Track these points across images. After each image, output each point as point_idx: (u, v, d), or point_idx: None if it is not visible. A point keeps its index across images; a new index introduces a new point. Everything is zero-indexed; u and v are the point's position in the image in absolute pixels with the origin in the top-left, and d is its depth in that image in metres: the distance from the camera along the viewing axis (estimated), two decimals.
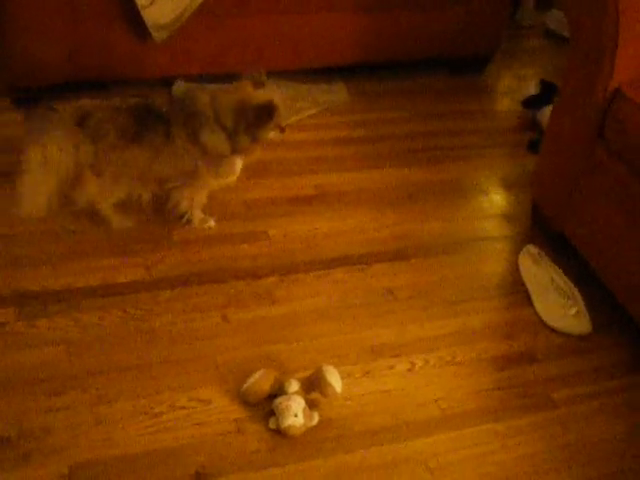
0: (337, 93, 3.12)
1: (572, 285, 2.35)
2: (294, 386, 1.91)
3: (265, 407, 1.90)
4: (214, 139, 2.22)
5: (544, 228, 2.55)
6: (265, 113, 2.18)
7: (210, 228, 2.45)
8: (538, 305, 2.31)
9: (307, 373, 1.97)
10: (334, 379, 1.90)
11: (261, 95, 2.22)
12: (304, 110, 2.99)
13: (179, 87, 2.95)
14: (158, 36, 2.66)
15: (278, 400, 1.87)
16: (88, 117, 2.19)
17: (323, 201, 2.63)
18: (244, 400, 1.91)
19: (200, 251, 2.36)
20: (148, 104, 2.24)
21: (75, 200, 2.29)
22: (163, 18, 2.62)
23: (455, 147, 3.03)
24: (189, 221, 2.44)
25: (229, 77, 2.99)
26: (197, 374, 1.97)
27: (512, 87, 3.53)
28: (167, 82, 3.01)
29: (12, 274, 2.19)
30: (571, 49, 2.28)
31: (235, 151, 2.26)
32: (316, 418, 1.88)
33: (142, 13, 2.59)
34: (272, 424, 1.87)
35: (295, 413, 1.84)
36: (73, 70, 2.75)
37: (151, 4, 2.58)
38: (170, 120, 2.23)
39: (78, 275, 2.22)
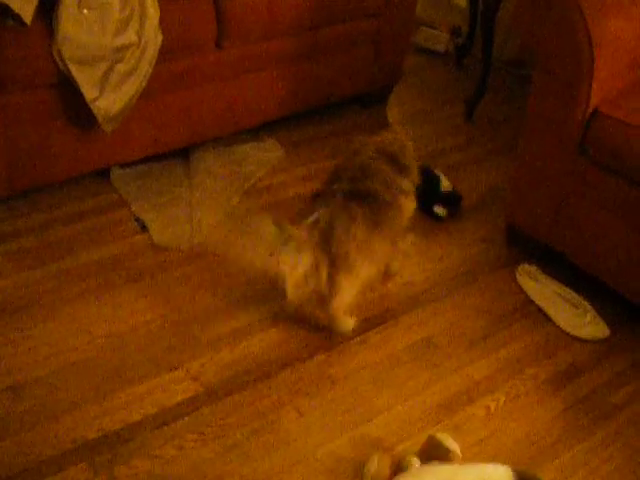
0: (273, 150, 3.07)
1: (575, 294, 2.51)
2: (415, 462, 1.90)
3: None
4: (407, 184, 2.37)
5: (522, 245, 2.70)
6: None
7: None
8: (557, 319, 2.44)
9: (408, 444, 2.00)
10: (452, 444, 1.91)
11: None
12: (253, 173, 2.92)
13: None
14: (108, 127, 2.46)
15: None
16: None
17: None
18: None
19: (233, 348, 2.24)
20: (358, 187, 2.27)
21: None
22: (113, 109, 2.43)
23: None
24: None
25: (170, 156, 2.92)
26: (308, 477, 1.90)
27: (416, 107, 3.64)
28: (103, 173, 2.81)
29: (58, 424, 1.96)
30: (539, 78, 2.42)
31: None
32: None
33: (92, 107, 2.39)
34: None
35: None
36: (13, 181, 2.48)
37: (100, 96, 2.39)
38: (375, 184, 2.28)
39: (128, 406, 2.03)
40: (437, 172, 2.93)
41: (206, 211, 2.68)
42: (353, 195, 2.24)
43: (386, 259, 2.41)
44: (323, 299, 2.22)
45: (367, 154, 2.34)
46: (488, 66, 3.51)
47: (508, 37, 3.95)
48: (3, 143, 2.41)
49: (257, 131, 3.17)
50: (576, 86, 2.30)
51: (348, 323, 2.34)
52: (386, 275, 2.51)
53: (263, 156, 3.02)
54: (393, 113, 3.52)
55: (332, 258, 2.17)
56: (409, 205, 2.39)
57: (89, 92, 2.38)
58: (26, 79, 2.34)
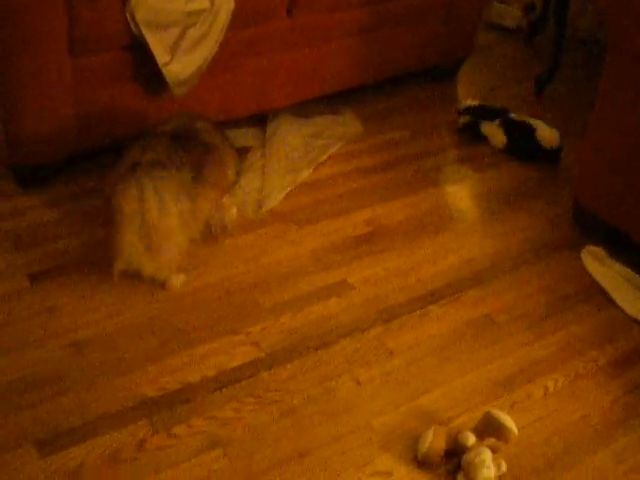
0: (351, 124, 3.08)
1: (638, 276, 2.47)
2: (471, 438, 1.89)
3: (440, 465, 1.88)
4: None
5: (588, 226, 2.65)
6: None
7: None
8: (621, 302, 2.40)
9: (464, 419, 2.00)
10: (510, 422, 1.90)
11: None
12: (329, 147, 2.93)
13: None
14: (179, 92, 2.49)
15: (470, 456, 1.85)
16: None
17: (382, 236, 2.59)
18: (425, 463, 1.88)
19: (295, 315, 2.26)
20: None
21: None
22: (184, 73, 2.46)
23: (476, 156, 3.09)
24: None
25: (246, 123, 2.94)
26: (363, 447, 1.91)
27: (486, 83, 3.62)
28: None
29: (119, 381, 2.01)
30: (613, 57, 2.37)
31: None
32: (504, 465, 1.87)
33: (163, 70, 2.42)
34: None
35: (488, 465, 1.83)
36: (82, 140, 2.53)
37: (172, 60, 2.41)
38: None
39: (189, 368, 2.07)
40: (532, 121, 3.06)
41: (277, 181, 2.70)
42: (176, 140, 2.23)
43: (203, 217, 2.37)
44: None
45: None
46: (561, 44, 3.44)
47: (582, 14, 3.87)
48: (75, 103, 2.45)
49: (333, 102, 3.18)
50: None
51: (175, 280, 2.33)
52: (218, 230, 2.51)
53: (340, 130, 3.04)
54: (463, 88, 3.50)
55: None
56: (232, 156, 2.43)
57: (161, 56, 2.41)
58: (99, 41, 2.38)
